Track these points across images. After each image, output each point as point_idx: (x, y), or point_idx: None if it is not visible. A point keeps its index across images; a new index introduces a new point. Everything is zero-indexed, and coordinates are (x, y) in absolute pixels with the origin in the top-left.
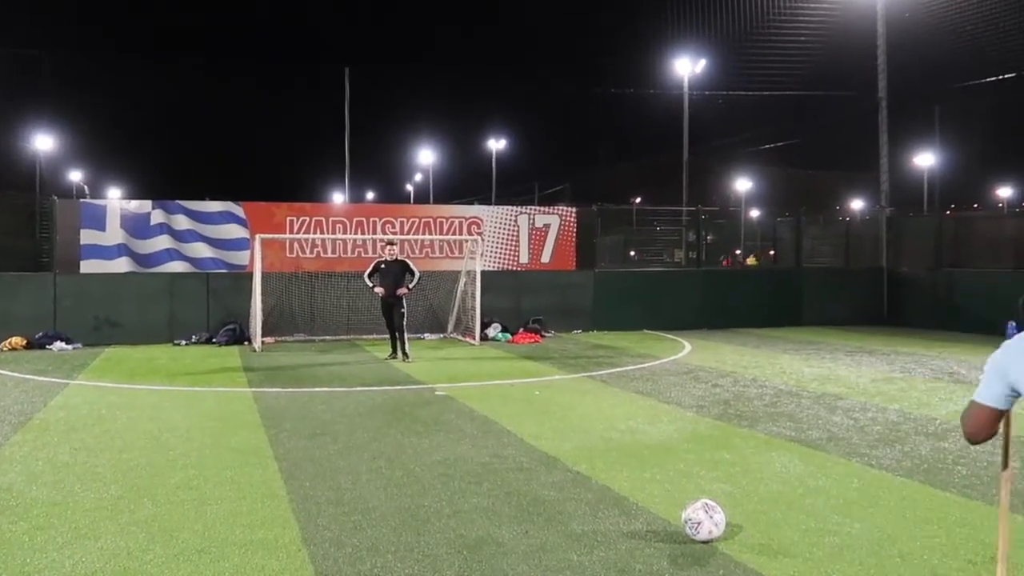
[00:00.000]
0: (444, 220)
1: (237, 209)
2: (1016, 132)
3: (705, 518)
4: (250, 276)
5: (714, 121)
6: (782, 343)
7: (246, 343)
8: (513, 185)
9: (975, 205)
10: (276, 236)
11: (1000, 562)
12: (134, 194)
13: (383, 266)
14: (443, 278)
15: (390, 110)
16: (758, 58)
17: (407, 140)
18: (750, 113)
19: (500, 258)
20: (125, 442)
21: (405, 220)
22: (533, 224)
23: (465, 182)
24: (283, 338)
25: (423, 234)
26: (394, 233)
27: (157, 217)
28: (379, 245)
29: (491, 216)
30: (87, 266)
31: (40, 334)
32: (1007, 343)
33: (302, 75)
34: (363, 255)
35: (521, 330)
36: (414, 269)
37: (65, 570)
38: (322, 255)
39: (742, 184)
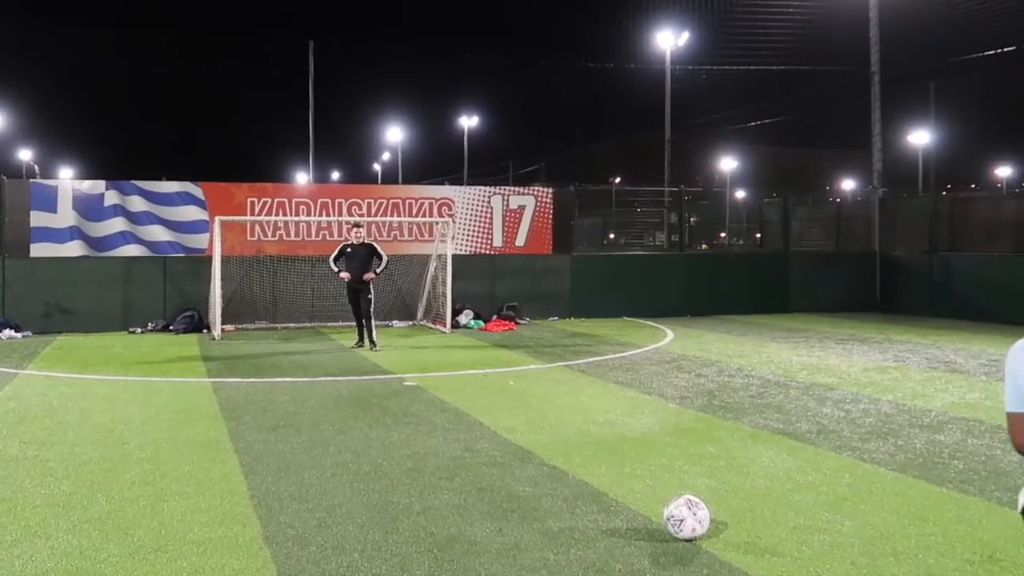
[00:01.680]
0: (413, 201)
1: (195, 190)
2: (1015, 109)
3: (688, 515)
4: (209, 260)
5: (698, 97)
6: (769, 331)
7: (205, 331)
8: (486, 164)
9: (972, 185)
10: (236, 218)
11: None
12: (87, 174)
13: (349, 250)
14: (412, 262)
15: (357, 86)
16: (744, 31)
17: (375, 117)
18: (735, 89)
19: (472, 241)
20: (77, 435)
21: (372, 201)
22: (507, 206)
23: (436, 161)
24: (244, 326)
25: (391, 216)
26: (361, 215)
27: (111, 198)
28: (345, 228)
29: (463, 197)
30: (37, 250)
31: None
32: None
33: (264, 49)
34: (328, 238)
35: (494, 317)
36: (382, 253)
37: (15, 570)
38: (285, 238)
39: (727, 163)
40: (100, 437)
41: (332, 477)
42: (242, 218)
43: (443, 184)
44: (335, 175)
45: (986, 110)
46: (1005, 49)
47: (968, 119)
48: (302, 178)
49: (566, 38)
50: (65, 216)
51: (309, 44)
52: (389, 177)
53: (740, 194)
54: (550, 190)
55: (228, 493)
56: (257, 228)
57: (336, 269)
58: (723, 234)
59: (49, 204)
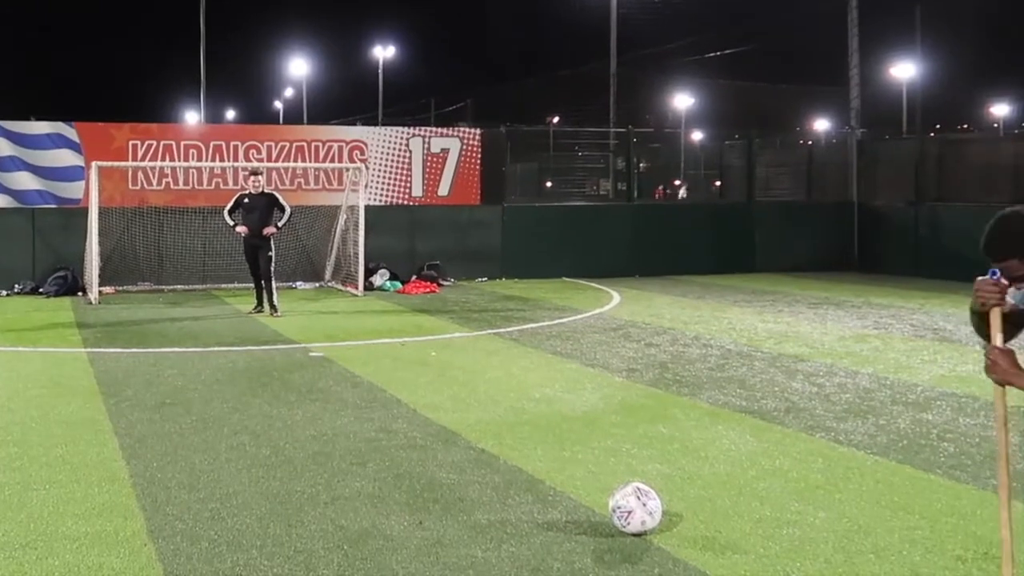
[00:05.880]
0: (320, 144)
1: (69, 131)
2: (1014, 38)
3: (637, 506)
4: (85, 212)
5: (649, 24)
6: (731, 293)
7: (80, 294)
8: (405, 102)
9: (964, 126)
10: (116, 164)
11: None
12: None
13: (246, 200)
14: (319, 215)
15: (254, 10)
16: None
17: (276, 48)
18: (692, 15)
19: (388, 191)
20: None
21: (273, 144)
22: (428, 149)
23: (346, 99)
24: (125, 288)
25: (295, 161)
26: (260, 160)
27: None
28: (242, 175)
29: (377, 139)
30: None
31: None
32: None
33: None
34: (222, 187)
35: (414, 278)
36: (284, 204)
37: None
38: (172, 187)
39: (682, 100)
40: None
41: (226, 462)
42: (123, 164)
43: (355, 125)
44: (230, 114)
45: (980, 40)
46: None
47: (960, 50)
48: (192, 118)
49: None
50: None
51: None
52: (292, 117)
53: (697, 135)
54: (478, 131)
55: (107, 481)
56: (140, 175)
57: (231, 222)
58: (678, 181)
59: None
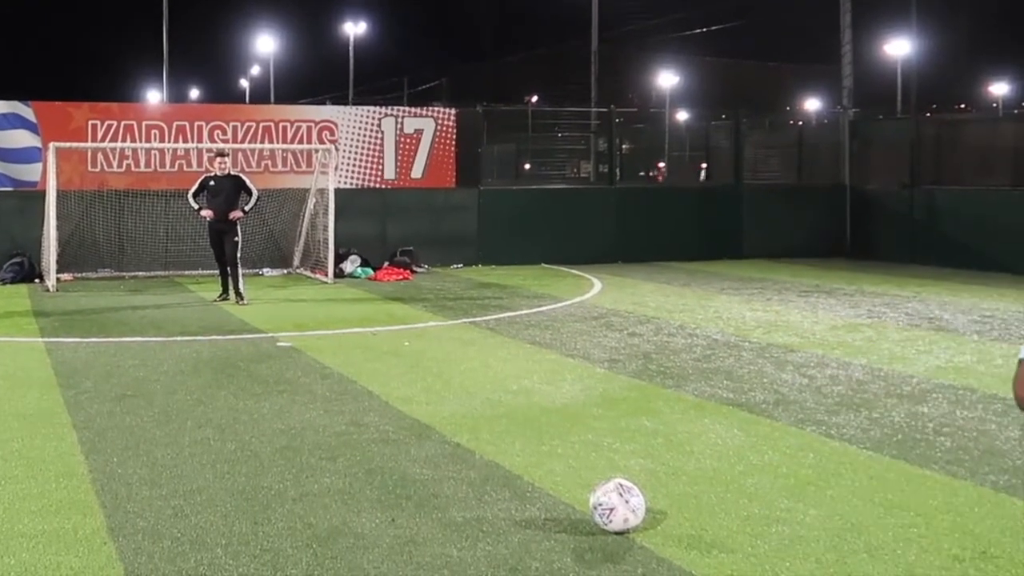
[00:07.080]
0: (289, 124)
1: (25, 110)
2: (1013, 14)
3: (619, 503)
4: (42, 196)
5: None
6: (718, 280)
7: (37, 281)
8: (376, 81)
9: (962, 105)
10: (75, 145)
11: None
12: None
13: (212, 183)
14: (287, 198)
15: None
16: None
17: (242, 24)
18: None
19: (359, 173)
20: None
21: (239, 125)
22: (401, 130)
23: (315, 77)
24: (84, 274)
25: (262, 142)
26: (225, 141)
27: None
28: (206, 156)
29: (348, 119)
30: None
31: None
32: None
33: None
34: (186, 169)
35: (386, 264)
36: (251, 187)
37: None
38: (133, 169)
39: (666, 79)
40: None
41: (190, 457)
42: (82, 145)
43: (324, 104)
44: (194, 93)
45: (979, 16)
46: None
47: (958, 26)
48: (154, 97)
49: None
50: None
51: None
52: (259, 95)
53: (682, 116)
54: (453, 111)
55: (65, 476)
56: (100, 157)
57: (196, 206)
58: (662, 164)
59: None
